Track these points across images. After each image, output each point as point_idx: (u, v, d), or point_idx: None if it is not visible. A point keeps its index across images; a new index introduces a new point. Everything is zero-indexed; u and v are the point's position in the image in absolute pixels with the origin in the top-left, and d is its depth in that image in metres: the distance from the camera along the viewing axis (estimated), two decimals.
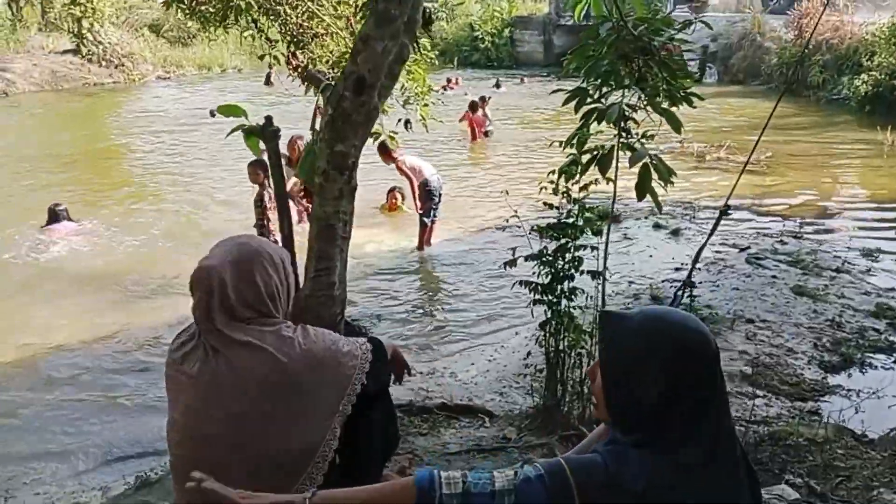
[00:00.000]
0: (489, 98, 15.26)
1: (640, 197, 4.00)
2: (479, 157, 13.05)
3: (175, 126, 15.65)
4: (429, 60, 6.71)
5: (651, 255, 7.48)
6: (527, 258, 3.40)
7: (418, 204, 7.76)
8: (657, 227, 8.37)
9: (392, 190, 9.09)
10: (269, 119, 3.05)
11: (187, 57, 26.41)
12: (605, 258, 3.81)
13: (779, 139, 14.22)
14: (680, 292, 3.88)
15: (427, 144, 11.54)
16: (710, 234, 3.50)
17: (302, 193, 6.82)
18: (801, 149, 13.21)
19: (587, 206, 3.70)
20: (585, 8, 4.20)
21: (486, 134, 14.09)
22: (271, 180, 3.32)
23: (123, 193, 10.41)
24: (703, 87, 21.79)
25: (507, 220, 3.84)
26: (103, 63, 23.76)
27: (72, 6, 22.76)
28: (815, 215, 8.76)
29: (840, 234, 8.03)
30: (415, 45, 5.67)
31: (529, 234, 3.55)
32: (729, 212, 3.68)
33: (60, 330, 6.06)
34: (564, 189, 3.45)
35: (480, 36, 30.92)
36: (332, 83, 3.30)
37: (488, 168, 11.97)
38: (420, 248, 7.89)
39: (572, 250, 3.46)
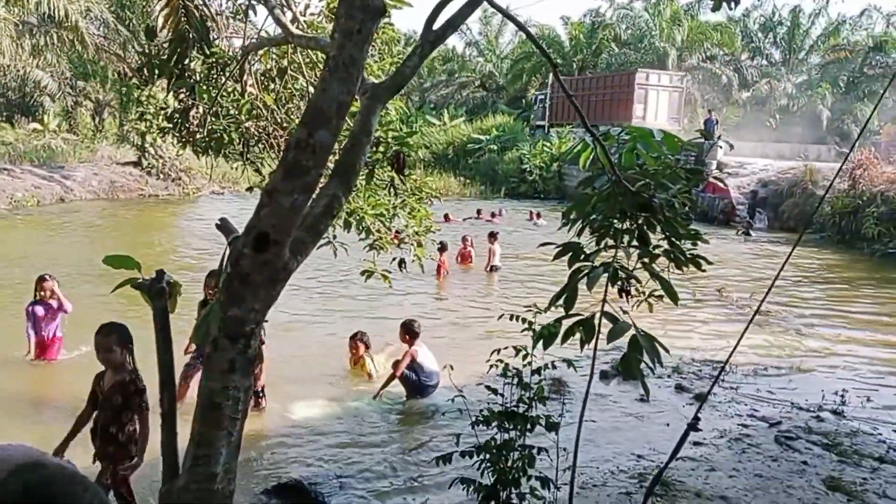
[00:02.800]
0: (498, 234, 15.18)
1: (627, 376, 3.43)
2: (444, 298, 12.31)
3: (203, 242, 15.78)
4: (431, 200, 6.48)
5: (668, 424, 6.70)
6: (463, 454, 2.85)
7: (398, 375, 7.15)
8: (680, 389, 7.61)
9: (353, 337, 7.81)
10: (160, 273, 2.67)
11: (245, 174, 27.36)
12: (576, 453, 3.21)
13: (828, 293, 13.43)
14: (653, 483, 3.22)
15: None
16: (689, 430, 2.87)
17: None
18: (853, 306, 12.35)
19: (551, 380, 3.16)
20: (592, 155, 3.88)
21: (492, 269, 14.14)
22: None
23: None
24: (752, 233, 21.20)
25: (453, 400, 3.35)
26: (161, 176, 24.77)
27: (138, 121, 24.05)
28: (861, 388, 7.85)
29: (888, 414, 7.11)
30: (400, 182, 5.44)
31: (473, 424, 3.00)
32: (699, 428, 3.05)
33: None
34: (514, 372, 2.94)
35: (528, 168, 31.39)
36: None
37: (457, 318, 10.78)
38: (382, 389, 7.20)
39: (519, 448, 2.89)
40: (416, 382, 7.14)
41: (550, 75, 39.32)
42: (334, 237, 5.83)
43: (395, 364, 7.18)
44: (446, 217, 20.25)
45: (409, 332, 7.32)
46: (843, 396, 7.39)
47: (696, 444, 6.16)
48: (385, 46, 6.11)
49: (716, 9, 4.39)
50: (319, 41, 3.75)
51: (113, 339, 4.20)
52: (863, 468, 5.73)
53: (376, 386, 7.36)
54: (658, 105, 32.29)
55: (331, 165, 2.99)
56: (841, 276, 15.43)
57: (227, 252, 2.74)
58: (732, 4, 4.33)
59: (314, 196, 2.69)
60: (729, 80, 39.18)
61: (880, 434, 6.53)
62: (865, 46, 39.43)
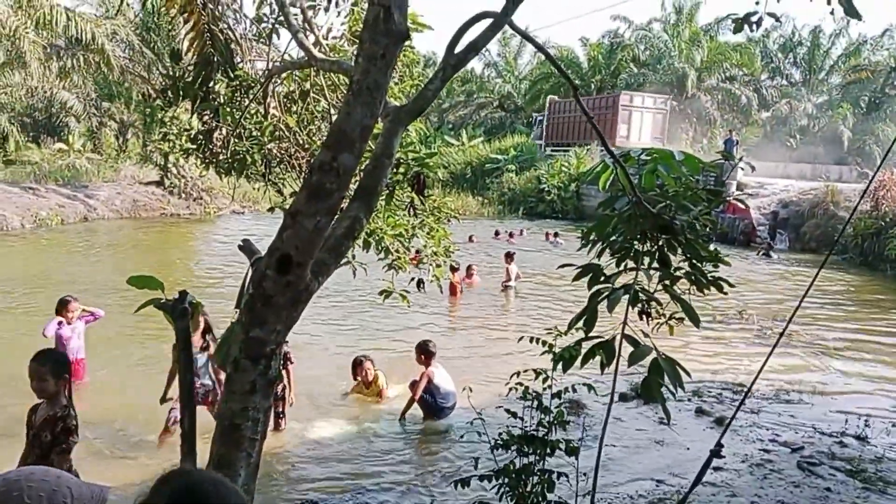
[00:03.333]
0: (514, 254, 15.19)
1: (647, 400, 3.40)
2: (460, 318, 12.23)
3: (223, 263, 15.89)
4: (449, 220, 6.50)
5: (689, 448, 6.62)
6: (482, 478, 2.84)
7: (416, 398, 7.14)
8: (700, 412, 7.52)
9: (359, 362, 7.66)
10: (182, 294, 2.70)
11: (266, 195, 27.64)
12: (596, 478, 3.17)
13: (850, 316, 13.24)
14: None
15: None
16: (702, 473, 2.83)
17: None
18: (876, 329, 12.16)
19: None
20: (612, 176, 3.89)
21: (507, 288, 14.23)
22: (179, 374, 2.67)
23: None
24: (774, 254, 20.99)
25: (472, 423, 3.33)
26: (183, 195, 25.07)
27: (161, 142, 24.40)
28: (885, 413, 7.71)
29: None
30: (420, 202, 5.47)
31: (493, 448, 2.98)
32: (722, 455, 3.01)
33: None
34: (533, 395, 2.92)
35: (547, 188, 31.40)
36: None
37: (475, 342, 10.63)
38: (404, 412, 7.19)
39: (538, 472, 2.87)
40: (433, 404, 7.12)
41: (546, 98, 40.06)
42: (353, 257, 5.87)
43: (413, 386, 7.17)
44: (470, 238, 20.32)
45: (424, 352, 7.30)
46: (867, 421, 7.25)
47: (716, 469, 6.05)
48: (405, 69, 6.17)
49: (737, 31, 4.40)
50: (342, 65, 3.80)
51: (47, 368, 3.77)
52: (888, 496, 5.62)
53: (391, 406, 7.35)
54: (642, 126, 33.56)
55: (352, 187, 3.03)
56: (864, 298, 15.22)
57: (250, 273, 2.77)
58: (754, 27, 4.35)
59: (336, 217, 2.72)
60: (748, 101, 39.04)
61: None
62: (887, 66, 39.14)
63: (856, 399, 8.28)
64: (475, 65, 50.45)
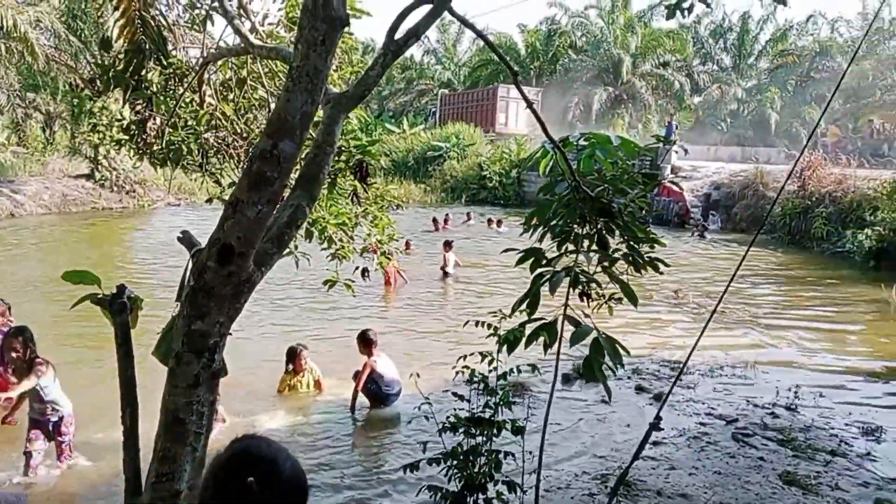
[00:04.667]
0: (453, 242, 15.28)
1: (589, 379, 3.50)
2: (402, 306, 12.14)
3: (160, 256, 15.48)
4: (393, 207, 6.50)
5: (629, 424, 6.81)
6: (430, 462, 2.87)
7: (360, 387, 7.10)
8: (640, 390, 7.75)
9: (296, 353, 7.47)
10: (120, 288, 2.64)
11: (203, 185, 26.96)
12: (541, 457, 3.25)
13: (780, 292, 13.81)
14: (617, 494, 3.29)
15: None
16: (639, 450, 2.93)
17: None
18: (804, 304, 12.73)
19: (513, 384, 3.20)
20: (551, 163, 3.95)
21: (446, 275, 14.34)
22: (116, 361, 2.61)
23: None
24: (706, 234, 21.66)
25: (419, 408, 3.35)
26: (115, 188, 24.25)
27: (90, 133, 23.52)
28: (813, 384, 8.09)
29: (839, 408, 7.34)
30: (363, 190, 5.45)
31: (440, 431, 3.02)
32: (661, 427, 3.13)
33: None
34: (480, 378, 2.97)
35: (489, 175, 31.59)
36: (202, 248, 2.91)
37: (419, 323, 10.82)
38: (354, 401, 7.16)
39: (486, 453, 2.93)
40: (378, 392, 7.14)
41: (483, 84, 42.41)
42: (296, 247, 5.81)
43: (356, 375, 7.16)
44: (435, 225, 21.06)
45: (365, 342, 7.29)
46: (796, 392, 7.60)
47: (656, 443, 6.27)
48: (345, 55, 6.11)
49: (670, 17, 4.52)
50: (280, 51, 3.75)
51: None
52: (817, 462, 5.92)
53: (337, 397, 7.33)
54: (518, 115, 37.99)
55: (294, 175, 3.01)
56: (792, 275, 15.87)
57: (190, 265, 2.73)
58: (686, 13, 4.47)
59: (278, 207, 2.69)
60: (681, 86, 40.03)
61: (832, 428, 6.74)
62: (812, 51, 40.73)
63: (786, 371, 8.67)
64: (415, 51, 50.28)
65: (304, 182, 2.85)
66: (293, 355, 7.53)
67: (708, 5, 4.20)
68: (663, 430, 5.70)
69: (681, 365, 8.64)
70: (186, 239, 2.82)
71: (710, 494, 5.24)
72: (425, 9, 2.88)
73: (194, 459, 2.57)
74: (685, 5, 4.20)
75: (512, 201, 30.48)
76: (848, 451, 6.18)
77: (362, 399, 7.16)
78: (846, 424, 6.85)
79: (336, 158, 4.98)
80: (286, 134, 2.39)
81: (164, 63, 5.21)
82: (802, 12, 42.81)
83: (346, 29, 6.50)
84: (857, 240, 16.36)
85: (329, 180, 5.05)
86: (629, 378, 8.04)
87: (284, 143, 2.39)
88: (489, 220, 22.68)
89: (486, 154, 33.16)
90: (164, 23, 5.11)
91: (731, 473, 5.63)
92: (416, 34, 2.85)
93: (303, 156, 3.07)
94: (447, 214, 22.50)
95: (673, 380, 5.59)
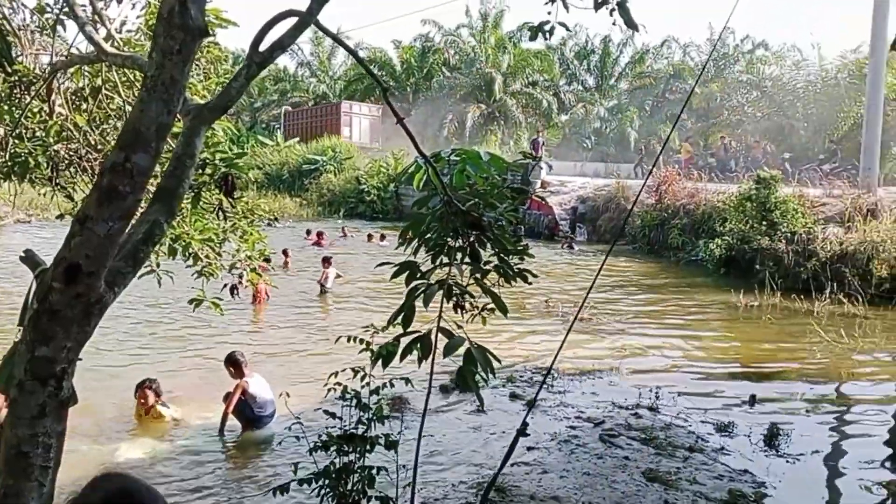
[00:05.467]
0: (332, 258, 15.20)
1: (464, 389, 3.55)
2: (274, 324, 11.87)
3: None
4: (265, 221, 6.34)
5: (504, 432, 6.97)
6: (301, 482, 2.81)
7: (229, 410, 6.84)
8: (514, 397, 7.96)
9: (141, 386, 7.02)
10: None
11: (55, 200, 25.12)
12: (416, 470, 3.26)
13: (641, 299, 14.65)
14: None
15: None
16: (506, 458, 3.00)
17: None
18: (663, 310, 13.55)
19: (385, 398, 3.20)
20: (425, 177, 3.99)
21: (323, 291, 14.22)
22: None
23: None
24: (573, 245, 22.65)
25: (290, 428, 3.29)
26: None
27: None
28: (672, 384, 8.62)
29: (695, 407, 7.86)
30: (230, 205, 5.28)
31: (311, 450, 2.96)
32: (527, 433, 3.23)
33: None
34: (352, 394, 2.95)
35: (367, 189, 31.52)
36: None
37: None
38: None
39: (359, 470, 2.90)
40: (250, 414, 6.90)
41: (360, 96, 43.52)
42: (158, 265, 5.53)
43: (226, 398, 6.90)
44: (314, 238, 21.04)
45: (234, 364, 7.05)
46: (657, 393, 8.07)
47: (529, 448, 6.47)
48: (210, 66, 5.91)
49: (533, 38, 4.71)
50: (136, 60, 3.56)
51: None
52: (676, 458, 6.30)
53: (205, 422, 7.03)
54: (361, 129, 41.08)
55: (152, 189, 2.87)
56: (651, 283, 16.87)
57: (34, 287, 2.54)
58: (547, 35, 4.68)
59: (133, 223, 2.56)
60: (549, 104, 41.73)
61: (690, 426, 7.21)
62: (667, 74, 43.67)
63: (648, 373, 9.19)
64: (288, 63, 49.41)
65: (163, 196, 2.71)
66: (137, 389, 7.05)
67: (567, 28, 4.41)
68: (530, 434, 5.87)
69: (546, 371, 9.00)
70: (30, 258, 2.63)
71: (580, 495, 5.44)
72: (292, 20, 2.84)
73: (42, 496, 2.38)
74: (546, 28, 4.39)
75: (391, 215, 30.54)
76: (704, 446, 6.62)
77: (234, 422, 6.90)
78: (702, 422, 7.34)
79: (200, 172, 4.79)
80: (140, 146, 2.28)
81: (9, 70, 4.83)
82: (658, 37, 45.80)
83: (213, 39, 6.29)
84: (709, 249, 17.61)
85: (192, 194, 4.85)
86: (504, 386, 8.24)
87: (138, 156, 2.27)
88: (369, 235, 22.57)
89: (364, 168, 33.08)
90: (8, 27, 4.75)
91: (599, 474, 5.88)
92: (281, 46, 2.79)
93: (162, 169, 2.94)
94: (320, 232, 22.15)
95: (539, 386, 5.80)
